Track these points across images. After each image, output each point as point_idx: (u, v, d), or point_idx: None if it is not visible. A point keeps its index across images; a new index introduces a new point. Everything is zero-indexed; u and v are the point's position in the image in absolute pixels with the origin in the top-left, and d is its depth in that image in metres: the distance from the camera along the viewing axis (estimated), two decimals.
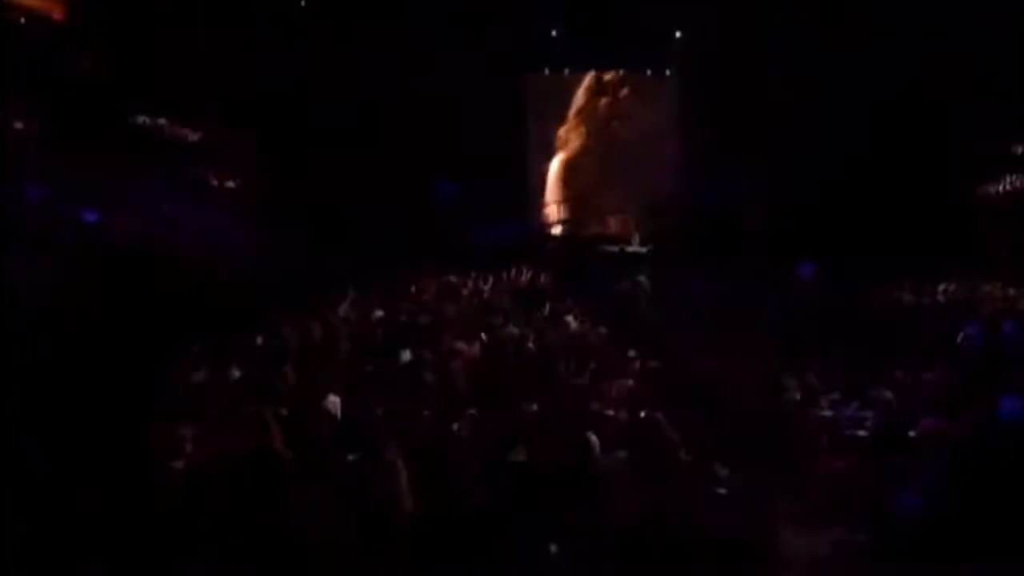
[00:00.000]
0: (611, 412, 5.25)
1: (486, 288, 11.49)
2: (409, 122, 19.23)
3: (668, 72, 21.48)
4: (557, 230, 20.49)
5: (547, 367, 6.30)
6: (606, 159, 21.80)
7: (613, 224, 21.51)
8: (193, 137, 18.16)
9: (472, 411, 4.79)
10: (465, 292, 11.16)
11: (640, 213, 20.87)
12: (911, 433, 4.90)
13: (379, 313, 8.67)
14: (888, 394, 5.27)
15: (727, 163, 19.25)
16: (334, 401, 4.95)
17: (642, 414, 4.81)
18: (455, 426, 4.66)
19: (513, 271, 13.51)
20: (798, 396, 5.72)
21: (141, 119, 17.06)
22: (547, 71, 21.75)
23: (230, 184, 18.60)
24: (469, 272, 13.88)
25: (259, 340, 7.12)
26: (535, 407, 4.92)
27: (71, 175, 13.04)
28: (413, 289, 11.60)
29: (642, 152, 21.65)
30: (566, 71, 21.77)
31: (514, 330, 7.55)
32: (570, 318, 7.80)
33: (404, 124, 19.23)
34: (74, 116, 14.76)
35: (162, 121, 17.55)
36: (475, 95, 19.48)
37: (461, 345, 6.90)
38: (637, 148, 21.63)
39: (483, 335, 7.46)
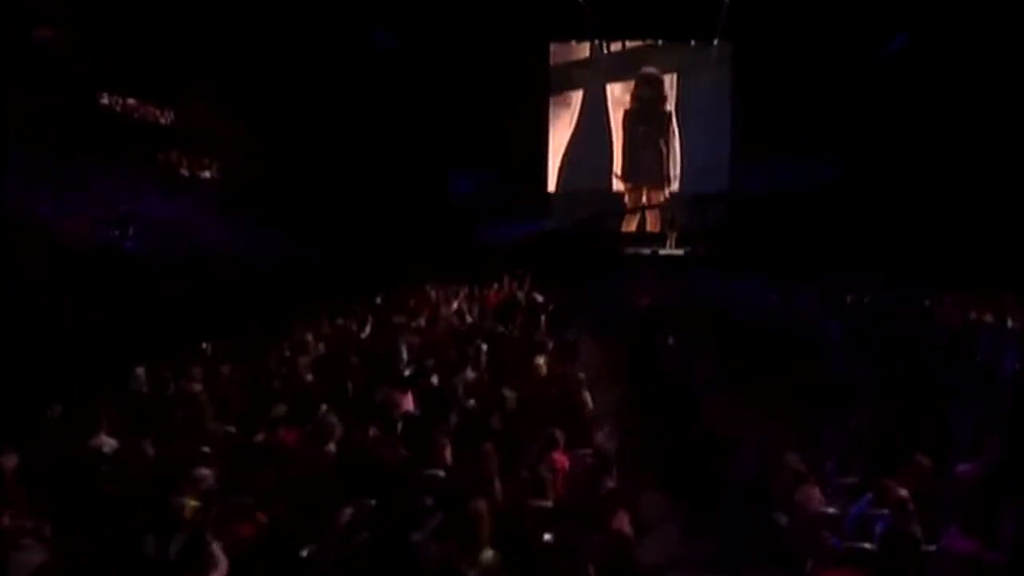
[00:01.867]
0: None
1: (465, 308, 11.05)
2: (417, 103, 19.06)
3: (715, 42, 20.64)
4: (579, 226, 19.90)
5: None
6: (642, 144, 21.14)
7: (648, 219, 20.90)
8: (165, 119, 18.00)
9: (349, 509, 4.36)
10: (445, 312, 10.73)
11: (680, 206, 20.20)
12: (931, 548, 4.34)
13: (320, 348, 8.31)
14: (903, 492, 4.67)
15: (782, 147, 18.76)
16: (205, 475, 4.58)
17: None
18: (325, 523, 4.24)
19: (514, 282, 13.06)
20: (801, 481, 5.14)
21: (106, 98, 16.98)
22: (574, 42, 21.15)
23: (205, 174, 18.46)
24: (465, 282, 13.52)
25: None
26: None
27: (26, 162, 13.01)
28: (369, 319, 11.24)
29: (685, 135, 21.03)
30: (596, 41, 21.10)
31: (469, 375, 7.08)
32: (541, 361, 7.30)
33: (411, 106, 19.06)
34: (32, 95, 14.76)
35: (131, 101, 17.42)
36: (494, 72, 19.11)
37: (395, 396, 6.48)
38: (679, 131, 21.01)
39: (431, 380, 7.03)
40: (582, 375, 7.16)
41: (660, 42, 20.77)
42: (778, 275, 14.95)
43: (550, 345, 8.55)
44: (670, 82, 21.09)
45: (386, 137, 18.74)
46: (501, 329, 9.48)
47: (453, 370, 7.22)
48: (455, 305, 11.44)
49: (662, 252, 18.54)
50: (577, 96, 21.24)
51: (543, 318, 10.51)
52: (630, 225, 20.98)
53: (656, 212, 20.55)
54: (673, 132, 20.90)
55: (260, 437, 5.25)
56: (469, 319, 10.45)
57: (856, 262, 15.83)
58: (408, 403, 6.57)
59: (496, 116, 19.05)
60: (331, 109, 18.32)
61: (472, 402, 6.62)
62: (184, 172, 18.02)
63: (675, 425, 6.70)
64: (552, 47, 21.00)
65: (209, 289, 11.65)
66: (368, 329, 8.95)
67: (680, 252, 18.44)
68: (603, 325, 11.63)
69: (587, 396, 7.08)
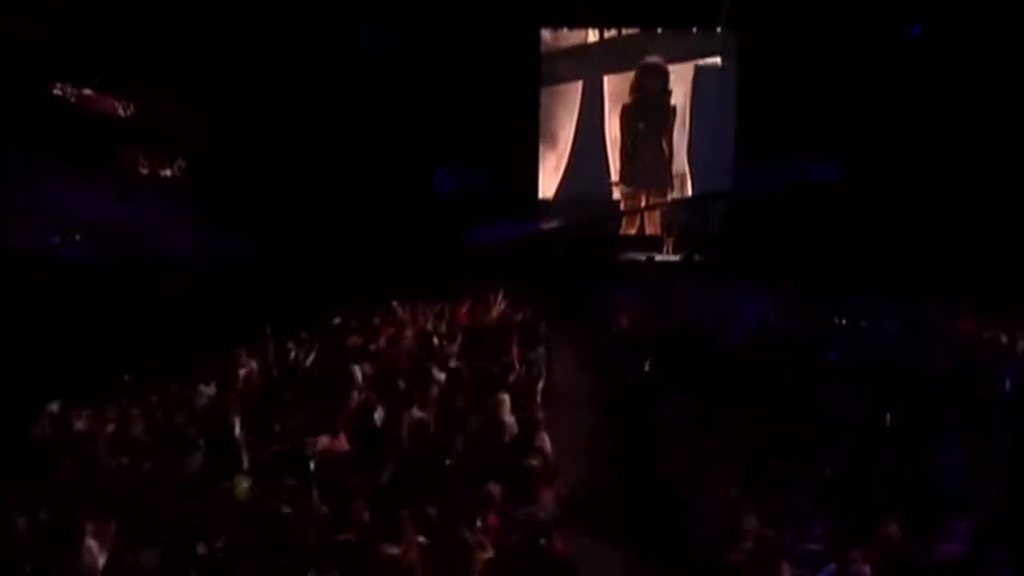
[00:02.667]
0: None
1: (432, 326, 10.85)
2: (398, 96, 18.90)
3: (718, 30, 20.38)
4: (572, 230, 19.68)
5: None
6: (643, 142, 20.90)
7: (648, 222, 20.70)
8: (124, 112, 17.77)
9: None
10: (410, 332, 10.53)
11: (678, 209, 19.99)
12: None
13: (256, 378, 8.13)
14: (866, 569, 4.46)
15: (790, 143, 18.65)
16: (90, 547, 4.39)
17: None
18: None
19: (492, 296, 12.87)
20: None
21: (59, 88, 16.74)
22: (566, 29, 20.96)
23: (166, 173, 18.26)
24: (442, 294, 13.35)
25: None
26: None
27: None
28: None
29: (687, 132, 20.81)
30: (589, 29, 20.90)
31: (416, 414, 6.88)
32: (505, 399, 7.09)
33: (391, 99, 18.90)
34: None
35: (87, 92, 17.18)
36: (480, 61, 18.95)
37: (324, 440, 6.28)
38: (678, 126, 20.84)
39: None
40: (540, 415, 6.93)
41: (660, 30, 20.39)
42: (779, 283, 14.75)
43: (515, 374, 8.32)
44: (674, 73, 20.66)
45: (364, 133, 18.54)
46: (457, 360, 9.23)
47: (400, 407, 7.01)
48: (423, 324, 11.21)
49: (658, 258, 18.28)
50: (571, 88, 20.87)
51: (515, 339, 10.26)
52: (629, 228, 20.69)
53: (657, 214, 20.27)
54: (677, 129, 20.47)
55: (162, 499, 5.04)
56: (436, 340, 10.22)
57: (866, 267, 15.55)
58: (342, 446, 6.37)
59: (483, 109, 18.79)
60: (305, 102, 18.12)
61: (415, 447, 6.41)
62: (143, 170, 17.80)
63: (634, 474, 6.51)
64: (544, 34, 20.58)
65: (153, 304, 11.46)
66: (312, 356, 8.73)
67: (676, 258, 18.15)
68: (579, 346, 11.49)
69: (545, 440, 6.87)
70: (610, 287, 14.25)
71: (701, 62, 20.83)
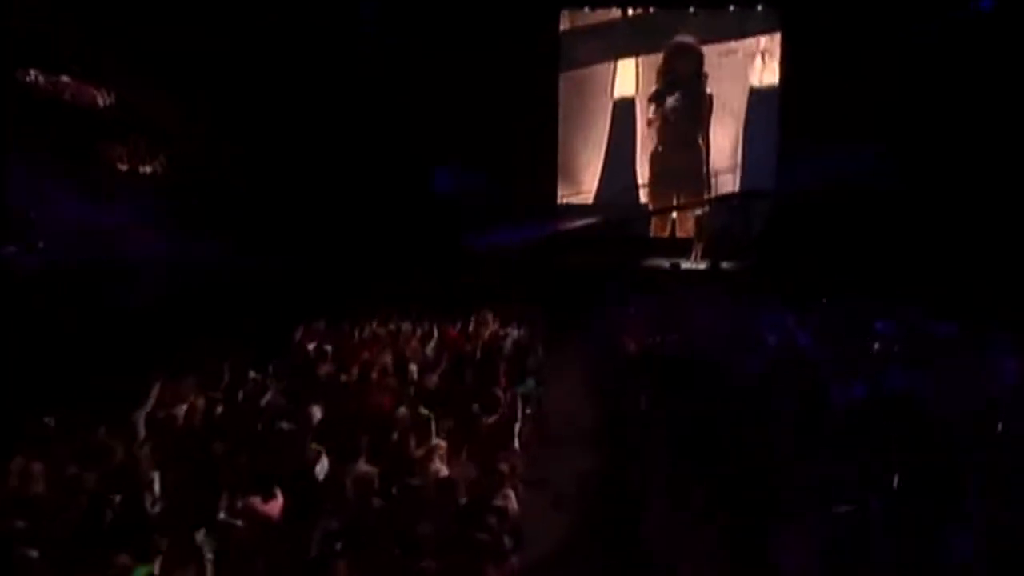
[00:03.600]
0: None
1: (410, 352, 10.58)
2: (397, 85, 18.62)
3: (759, 7, 19.83)
4: (590, 233, 19.30)
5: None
6: (671, 131, 20.43)
7: (677, 225, 20.25)
8: (104, 102, 17.69)
9: None
10: (388, 360, 10.27)
11: (711, 209, 19.52)
12: None
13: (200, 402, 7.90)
14: None
15: (840, 137, 17.94)
16: None
17: None
18: None
19: (489, 313, 12.63)
20: None
21: (32, 75, 16.67)
22: (587, 9, 20.54)
23: (146, 169, 18.18)
24: (436, 308, 13.11)
25: None
26: None
27: None
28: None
29: (721, 122, 20.33)
30: (613, 9, 20.48)
31: (362, 468, 6.62)
32: (439, 447, 6.78)
33: (390, 89, 18.62)
34: None
35: (64, 79, 17.10)
36: (490, 45, 18.64)
37: (257, 503, 6.04)
38: (714, 116, 20.33)
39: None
40: (506, 466, 6.62)
41: (692, 9, 19.87)
42: (815, 299, 14.24)
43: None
44: (709, 56, 20.14)
45: (361, 127, 18.32)
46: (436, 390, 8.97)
47: (348, 458, 6.77)
48: (405, 346, 10.97)
49: (684, 266, 17.83)
50: (593, 74, 20.45)
51: (503, 369, 10.00)
52: (658, 230, 20.27)
53: (688, 215, 19.82)
54: (711, 118, 20.00)
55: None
56: (414, 368, 9.97)
57: (924, 282, 14.97)
58: (273, 510, 6.13)
59: (493, 99, 18.46)
60: (299, 93, 17.93)
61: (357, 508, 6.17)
62: (122, 167, 17.74)
63: (607, 546, 6.18)
64: (563, 14, 20.18)
65: (107, 320, 11.34)
66: (269, 394, 8.49)
67: (704, 266, 17.70)
68: (579, 374, 11.14)
69: (511, 498, 6.59)
70: (623, 301, 13.85)
71: (739, 43, 20.12)
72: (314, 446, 6.90)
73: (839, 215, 17.86)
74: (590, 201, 20.43)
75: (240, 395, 8.41)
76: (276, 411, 7.95)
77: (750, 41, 20.22)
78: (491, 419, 7.95)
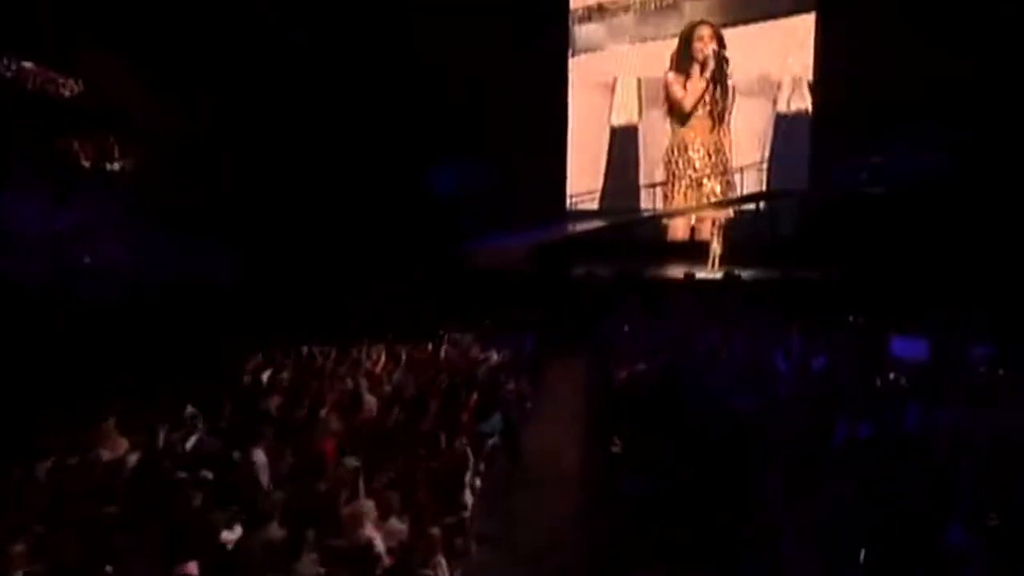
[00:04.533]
0: None
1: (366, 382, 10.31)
2: (391, 76, 18.30)
3: None
4: (600, 237, 18.96)
5: None
6: (689, 124, 20.04)
7: (694, 227, 19.84)
8: (69, 92, 17.56)
9: None
10: (348, 386, 10.04)
11: (733, 211, 19.10)
12: None
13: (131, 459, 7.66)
14: None
15: (879, 130, 17.65)
16: None
17: None
18: None
19: (467, 337, 12.39)
20: None
21: None
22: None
23: (113, 167, 18.07)
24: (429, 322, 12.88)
25: None
26: None
27: None
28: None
29: (745, 112, 19.84)
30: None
31: (274, 532, 6.34)
32: (365, 508, 6.47)
33: (384, 80, 18.29)
34: None
35: (27, 66, 16.95)
36: (493, 30, 18.40)
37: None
38: (737, 104, 19.92)
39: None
40: (438, 531, 6.34)
41: None
42: (842, 313, 13.77)
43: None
44: (731, 40, 19.73)
45: (352, 122, 18.08)
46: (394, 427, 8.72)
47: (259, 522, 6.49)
48: (369, 372, 10.72)
49: (700, 275, 17.43)
50: (604, 60, 20.12)
51: (471, 399, 9.73)
52: (675, 233, 19.89)
53: (706, 216, 19.41)
54: (736, 109, 19.54)
55: None
56: (372, 399, 9.71)
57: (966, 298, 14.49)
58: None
59: (496, 91, 18.29)
60: (281, 85, 17.71)
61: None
62: (85, 163, 17.62)
63: None
64: None
65: (49, 340, 11.21)
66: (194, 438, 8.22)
67: (720, 276, 17.29)
68: (563, 407, 10.91)
69: (441, 566, 6.31)
70: (622, 321, 13.54)
71: (767, 26, 19.61)
72: (234, 508, 6.62)
73: (876, 218, 17.33)
74: (598, 202, 19.95)
75: (165, 438, 8.13)
76: (202, 458, 7.67)
77: (780, 23, 19.58)
78: (440, 467, 7.66)
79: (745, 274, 17.19)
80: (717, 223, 18.78)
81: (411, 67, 18.32)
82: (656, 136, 20.04)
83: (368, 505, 6.59)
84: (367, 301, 14.59)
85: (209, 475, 7.31)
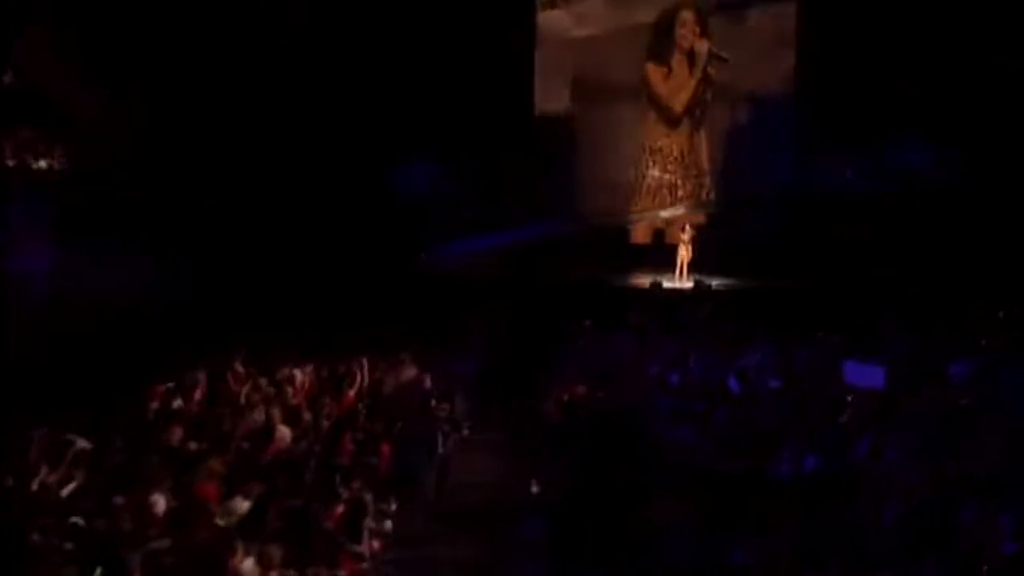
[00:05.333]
0: None
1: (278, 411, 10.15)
2: (348, 61, 18.19)
3: None
4: (560, 241, 18.86)
5: None
6: (664, 117, 19.94)
7: (666, 230, 19.73)
8: None
9: None
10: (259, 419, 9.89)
11: (708, 211, 19.02)
12: None
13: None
14: None
15: (872, 121, 17.55)
16: None
17: None
18: None
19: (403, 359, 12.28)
20: None
21: None
22: None
23: (40, 164, 17.83)
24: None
25: None
26: None
27: None
28: None
29: (726, 104, 19.80)
30: None
31: None
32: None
33: (339, 66, 18.15)
34: None
35: None
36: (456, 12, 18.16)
37: None
38: (717, 96, 19.81)
39: None
40: None
41: None
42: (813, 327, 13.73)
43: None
44: (711, 27, 19.63)
45: (304, 111, 17.86)
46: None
47: None
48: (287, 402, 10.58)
49: (667, 285, 17.34)
50: (574, 50, 20.00)
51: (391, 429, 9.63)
52: (644, 236, 19.83)
53: (680, 218, 19.31)
54: (714, 100, 19.60)
55: None
56: (285, 430, 9.57)
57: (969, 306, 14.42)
58: None
59: (458, 83, 18.07)
60: (229, 73, 17.54)
61: None
62: (9, 161, 17.35)
63: None
64: None
65: None
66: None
67: (689, 284, 17.20)
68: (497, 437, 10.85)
69: None
70: (572, 338, 13.47)
71: (749, 11, 19.61)
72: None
73: (862, 225, 17.30)
74: (564, 196, 19.88)
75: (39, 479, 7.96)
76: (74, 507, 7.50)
77: (761, 8, 19.51)
78: (332, 517, 7.54)
79: (716, 283, 17.06)
80: (687, 228, 18.47)
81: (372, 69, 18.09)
82: (627, 132, 19.71)
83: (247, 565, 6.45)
84: (297, 313, 14.41)
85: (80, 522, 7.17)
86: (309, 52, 18.05)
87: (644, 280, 17.53)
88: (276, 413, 9.83)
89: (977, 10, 16.54)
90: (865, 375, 10.34)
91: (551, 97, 19.91)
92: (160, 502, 7.29)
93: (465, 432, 11.36)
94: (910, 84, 16.83)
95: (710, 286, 16.81)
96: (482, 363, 12.79)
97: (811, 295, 15.79)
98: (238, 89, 17.46)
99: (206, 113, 17.20)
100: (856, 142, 17.74)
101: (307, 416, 10.20)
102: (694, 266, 17.97)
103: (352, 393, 10.95)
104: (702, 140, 19.61)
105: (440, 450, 10.10)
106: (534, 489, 8.38)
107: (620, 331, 14.39)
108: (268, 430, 9.50)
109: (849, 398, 10.30)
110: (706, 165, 19.61)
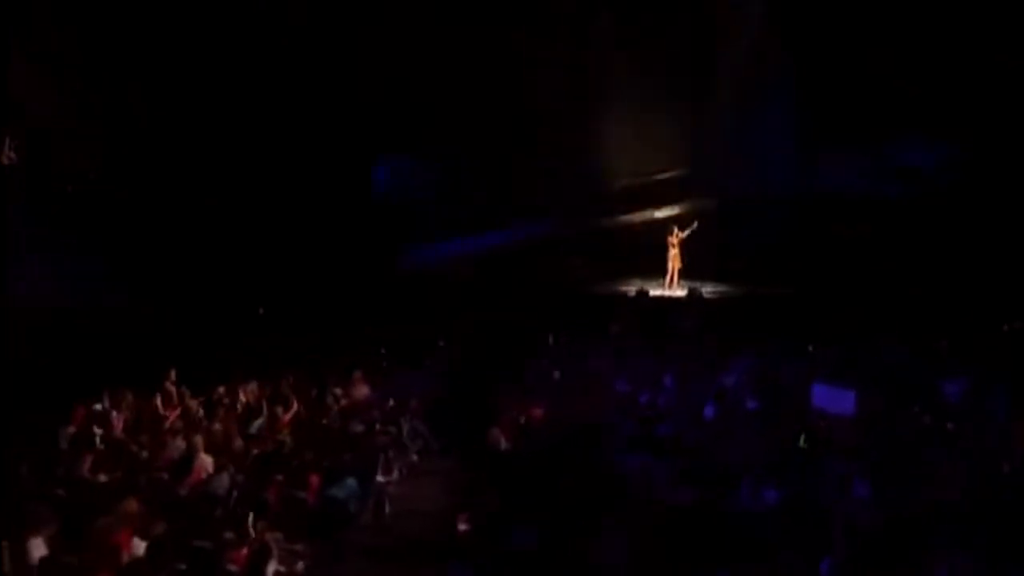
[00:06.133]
0: None
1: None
2: (326, 56, 18.03)
3: None
4: (546, 244, 18.64)
5: None
6: (653, 109, 19.57)
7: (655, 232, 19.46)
8: None
9: None
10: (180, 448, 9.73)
11: (703, 212, 18.72)
12: None
13: None
14: None
15: (874, 119, 17.41)
16: None
17: None
18: None
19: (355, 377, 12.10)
20: None
21: None
22: None
23: None
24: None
25: None
26: None
27: None
28: None
29: (722, 97, 19.56)
30: None
31: None
32: None
33: (316, 61, 17.98)
34: None
35: None
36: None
37: None
38: (709, 88, 19.56)
39: None
40: None
41: None
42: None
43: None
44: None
45: (279, 109, 17.71)
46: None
47: None
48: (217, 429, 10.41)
49: (654, 293, 17.06)
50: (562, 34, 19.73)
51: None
52: (633, 240, 19.58)
53: (670, 219, 19.04)
54: (707, 93, 19.32)
55: None
56: (207, 459, 9.41)
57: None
58: None
59: (440, 81, 17.97)
60: (196, 64, 17.40)
61: None
62: None
63: None
64: None
65: None
66: None
67: (682, 294, 16.90)
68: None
69: None
70: (543, 351, 13.26)
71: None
72: None
73: (862, 225, 17.11)
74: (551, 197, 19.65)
75: None
76: None
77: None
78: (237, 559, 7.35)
79: (710, 290, 16.80)
80: (676, 232, 17.95)
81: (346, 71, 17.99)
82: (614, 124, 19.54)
83: None
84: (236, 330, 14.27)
85: None
86: (291, 62, 17.90)
87: (631, 287, 17.15)
88: (199, 440, 9.61)
89: (977, 10, 16.31)
90: (834, 399, 10.06)
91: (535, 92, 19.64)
92: (39, 547, 7.07)
93: (414, 457, 11.10)
94: (909, 83, 16.67)
95: (702, 295, 16.43)
96: (442, 380, 12.52)
97: (806, 303, 15.34)
98: (211, 90, 17.30)
99: (179, 114, 17.00)
100: (856, 142, 17.75)
101: (238, 443, 9.98)
102: (687, 272, 17.51)
103: (287, 417, 10.70)
104: (691, 133, 19.55)
105: (380, 478, 9.84)
106: (461, 527, 8.11)
107: (597, 343, 14.03)
108: (188, 459, 9.28)
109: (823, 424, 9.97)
110: (693, 159, 19.51)
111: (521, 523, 7.97)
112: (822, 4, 17.73)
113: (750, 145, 19.15)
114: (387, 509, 9.70)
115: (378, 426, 10.95)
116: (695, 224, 17.29)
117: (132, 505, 8.00)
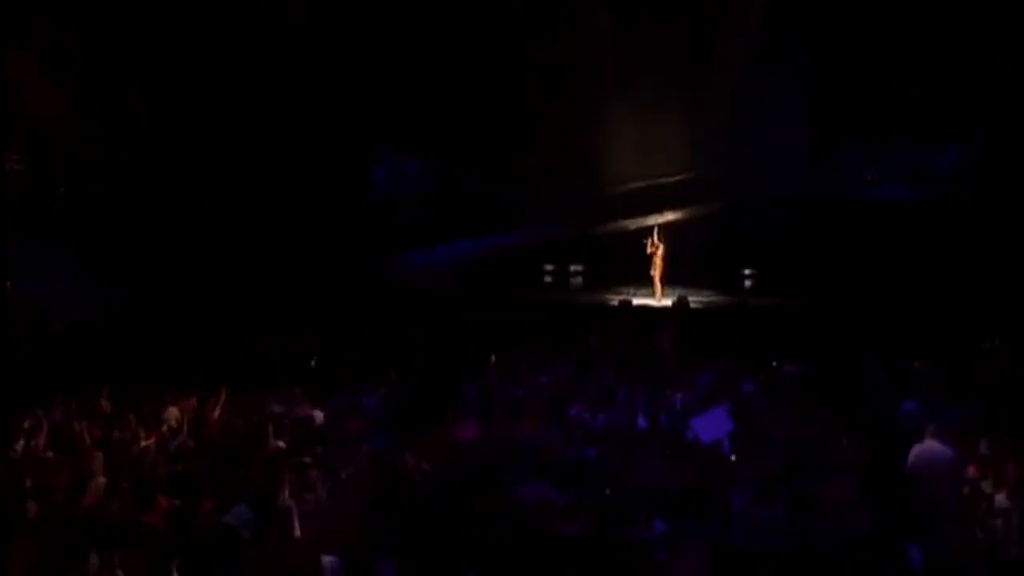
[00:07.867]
0: None
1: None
2: (324, 54, 18.12)
3: None
4: (529, 249, 18.39)
5: None
6: (662, 110, 19.29)
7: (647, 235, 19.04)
8: None
9: None
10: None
11: (696, 216, 18.28)
12: None
13: None
14: None
15: (888, 117, 17.16)
16: None
17: None
18: None
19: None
20: None
21: None
22: None
23: None
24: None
25: None
26: None
27: None
28: None
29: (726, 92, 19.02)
30: None
31: None
32: None
33: (314, 59, 18.08)
34: None
35: None
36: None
37: None
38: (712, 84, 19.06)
39: None
40: None
41: None
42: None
43: None
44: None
45: (279, 109, 17.88)
46: None
47: None
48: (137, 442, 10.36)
49: (637, 302, 16.66)
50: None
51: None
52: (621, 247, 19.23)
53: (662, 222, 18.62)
54: (709, 87, 18.87)
55: None
56: (101, 481, 9.33)
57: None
58: None
59: (438, 78, 17.85)
60: (196, 64, 17.52)
61: None
62: None
63: None
64: None
65: None
66: None
67: (668, 303, 16.49)
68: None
69: None
70: (498, 366, 13.01)
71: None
72: None
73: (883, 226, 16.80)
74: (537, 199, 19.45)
75: None
76: None
77: None
78: None
79: (698, 299, 16.39)
80: (655, 239, 17.54)
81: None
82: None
83: None
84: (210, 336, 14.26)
85: None
86: (289, 61, 18.01)
87: (620, 296, 16.80)
88: (99, 460, 9.55)
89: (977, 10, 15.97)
90: (711, 426, 9.60)
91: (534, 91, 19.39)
92: None
93: (343, 476, 10.86)
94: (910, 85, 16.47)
95: (688, 305, 15.99)
96: (388, 395, 12.33)
97: (796, 315, 14.93)
98: (209, 91, 17.43)
99: (178, 115, 17.09)
100: (864, 145, 17.55)
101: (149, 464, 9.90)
102: (683, 280, 17.09)
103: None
104: (693, 130, 19.20)
105: (286, 502, 9.60)
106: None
107: (560, 357, 13.73)
108: (83, 481, 9.22)
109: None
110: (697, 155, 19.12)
111: (385, 557, 7.67)
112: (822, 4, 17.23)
113: (756, 147, 18.59)
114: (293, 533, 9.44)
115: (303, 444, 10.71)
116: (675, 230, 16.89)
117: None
